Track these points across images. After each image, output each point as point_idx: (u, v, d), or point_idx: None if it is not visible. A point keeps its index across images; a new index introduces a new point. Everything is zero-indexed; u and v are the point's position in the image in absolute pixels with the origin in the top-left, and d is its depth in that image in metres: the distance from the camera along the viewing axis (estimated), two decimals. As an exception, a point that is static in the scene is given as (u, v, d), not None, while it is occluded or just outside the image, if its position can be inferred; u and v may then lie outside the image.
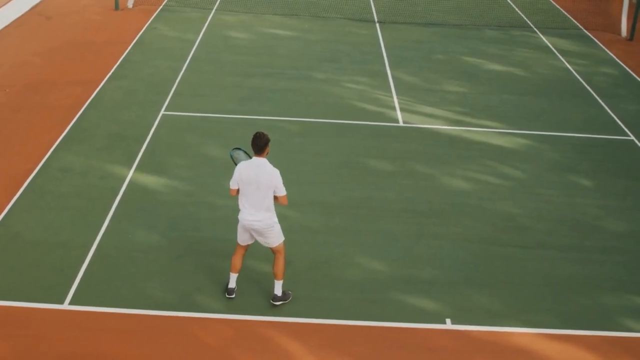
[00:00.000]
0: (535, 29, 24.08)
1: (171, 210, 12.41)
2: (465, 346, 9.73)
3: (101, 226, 11.82)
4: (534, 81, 19.33)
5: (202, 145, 14.68)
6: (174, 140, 14.85)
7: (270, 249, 10.17)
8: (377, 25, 23.57)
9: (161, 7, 24.26)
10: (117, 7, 23.83)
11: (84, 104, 16.33)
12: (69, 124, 15.31)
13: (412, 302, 10.49)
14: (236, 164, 10.06)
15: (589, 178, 14.27)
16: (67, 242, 11.40)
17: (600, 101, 18.12)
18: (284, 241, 10.18)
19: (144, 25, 22.21)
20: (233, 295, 10.36)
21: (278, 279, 10.22)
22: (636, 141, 15.96)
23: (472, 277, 11.09)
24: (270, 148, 9.83)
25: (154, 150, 14.38)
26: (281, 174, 13.81)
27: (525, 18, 25.27)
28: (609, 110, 17.57)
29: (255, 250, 11.38)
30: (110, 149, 14.38)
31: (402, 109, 16.91)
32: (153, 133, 15.07)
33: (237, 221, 12.10)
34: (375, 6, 25.75)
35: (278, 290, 10.25)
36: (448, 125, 16.21)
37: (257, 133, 9.73)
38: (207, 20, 23.00)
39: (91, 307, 10.04)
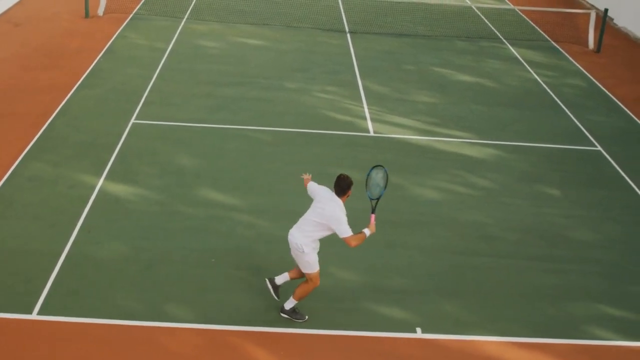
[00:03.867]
0: (504, 40, 24.34)
1: (141, 219, 12.35)
2: (434, 355, 9.79)
3: (70, 235, 11.73)
4: (503, 92, 19.53)
5: (173, 155, 14.63)
6: (145, 149, 14.78)
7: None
8: (348, 35, 23.67)
9: (132, 15, 24.16)
10: (87, 15, 23.69)
11: (53, 112, 16.21)
12: (38, 132, 15.19)
13: (383, 311, 10.53)
14: (368, 175, 9.96)
15: (557, 188, 14.43)
16: (36, 252, 11.30)
17: (568, 112, 18.35)
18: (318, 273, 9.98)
19: (115, 34, 22.10)
20: (268, 285, 10.24)
21: (293, 297, 10.05)
22: (603, 152, 16.18)
23: (441, 286, 11.16)
24: (352, 191, 9.75)
25: (124, 159, 14.31)
26: (252, 183, 13.86)
27: (494, 30, 25.52)
28: (576, 121, 17.79)
29: (225, 259, 11.38)
30: (80, 157, 14.29)
31: (372, 119, 17.00)
32: (123, 142, 14.99)
33: (207, 230, 12.15)
34: (346, 16, 25.86)
35: (288, 304, 10.11)
36: (418, 135, 16.32)
37: (340, 175, 9.69)
38: (178, 29, 22.95)
39: (60, 317, 9.96)
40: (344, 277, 11.24)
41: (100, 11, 24.04)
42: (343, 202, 9.67)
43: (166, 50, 20.88)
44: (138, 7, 25.11)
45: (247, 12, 25.31)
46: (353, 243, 9.51)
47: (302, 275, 10.14)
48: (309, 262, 9.79)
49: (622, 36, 26.48)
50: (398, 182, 14.21)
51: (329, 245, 11.98)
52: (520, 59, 22.41)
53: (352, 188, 9.69)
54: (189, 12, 24.87)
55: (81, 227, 12.00)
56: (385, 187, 9.89)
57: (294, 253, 9.86)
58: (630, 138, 17.20)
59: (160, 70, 19.25)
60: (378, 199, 9.90)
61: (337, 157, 15.01)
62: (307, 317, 10.20)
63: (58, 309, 10.11)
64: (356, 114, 17.29)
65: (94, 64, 19.40)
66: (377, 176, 9.92)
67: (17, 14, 23.62)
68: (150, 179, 13.64)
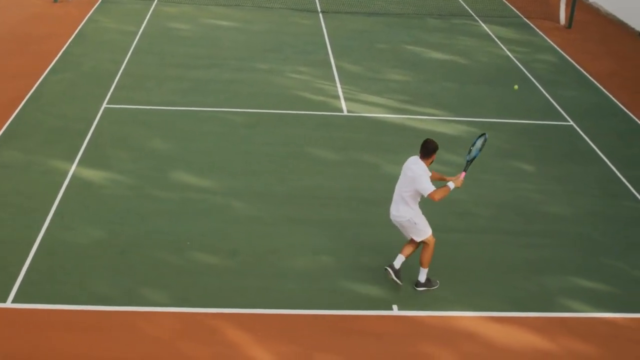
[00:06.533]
0: (476, 17, 24.37)
1: (115, 204, 12.28)
2: (412, 331, 9.85)
3: (44, 222, 11.64)
4: (475, 69, 19.58)
5: (146, 138, 14.55)
6: (117, 133, 14.68)
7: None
8: (320, 15, 23.59)
9: (101, -2, 23.92)
10: (56, -1, 23.44)
11: (23, 98, 16.03)
12: (8, 118, 15.02)
13: (359, 289, 10.57)
14: (473, 143, 10.50)
15: (531, 163, 14.52)
16: (9, 240, 11.20)
17: (540, 88, 18.44)
18: (432, 234, 10.41)
19: (85, 18, 21.87)
20: (390, 275, 10.43)
21: (422, 267, 10.42)
22: (575, 126, 16.29)
23: (417, 263, 11.16)
24: (436, 156, 10.21)
25: (96, 144, 14.21)
26: (226, 165, 13.83)
27: (466, 7, 25.54)
28: (548, 97, 17.89)
29: (201, 242, 11.37)
30: (52, 143, 14.16)
31: (346, 98, 16.98)
32: (95, 126, 14.88)
33: (181, 213, 12.12)
34: (318, -4, 25.78)
35: (421, 277, 10.47)
36: (392, 114, 16.33)
37: (427, 139, 10.18)
38: (148, 11, 22.75)
39: (35, 304, 9.89)
40: (320, 256, 11.25)
41: (69, -5, 23.77)
42: (427, 165, 10.06)
43: (137, 33, 20.70)
44: (107, -10, 24.85)
45: (218, -6, 25.13)
46: (437, 197, 9.86)
47: (416, 247, 10.49)
48: (422, 230, 10.25)
49: (593, 11, 26.61)
50: (372, 160, 14.23)
51: (304, 225, 12.02)
52: (492, 36, 22.46)
53: (436, 153, 10.16)
54: (159, -6, 24.65)
55: (55, 213, 11.91)
56: (480, 149, 10.41)
57: (404, 228, 10.30)
58: (602, 112, 17.32)
59: (131, 54, 19.09)
60: (472, 160, 10.39)
61: (311, 137, 14.99)
62: (438, 281, 10.66)
63: (33, 296, 10.04)
64: (329, 93, 17.26)
65: (64, 48, 19.20)
66: (479, 142, 10.48)
67: (-16, 0, 23.30)
68: (123, 164, 13.55)
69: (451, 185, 9.99)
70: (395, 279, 10.35)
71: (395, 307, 10.24)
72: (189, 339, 9.46)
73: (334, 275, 10.86)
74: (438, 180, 10.43)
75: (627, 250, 11.95)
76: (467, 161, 10.41)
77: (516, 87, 15.01)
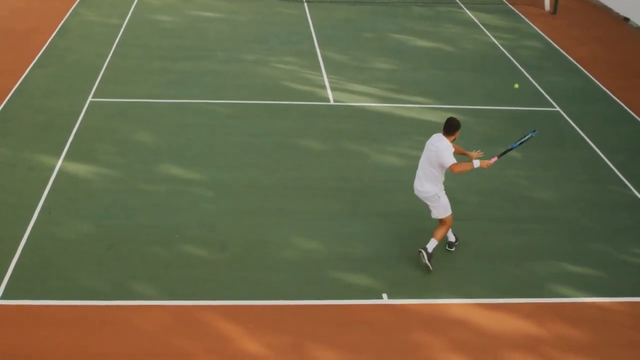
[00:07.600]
0: (461, 4, 24.36)
1: (102, 198, 12.23)
2: (402, 319, 9.87)
3: (31, 218, 11.59)
4: (461, 56, 19.58)
5: (132, 131, 14.49)
6: (103, 127, 14.62)
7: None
8: (305, 4, 23.53)
9: (85, -8, 23.76)
10: (38, -7, 23.25)
11: (7, 93, 15.92)
12: (-7, 114, 14.97)
13: (349, 279, 10.59)
14: (525, 134, 11.05)
15: (518, 149, 14.50)
16: (-4, 236, 11.18)
17: (526, 74, 18.46)
18: (451, 215, 10.79)
19: (68, 11, 21.72)
20: (452, 249, 11.30)
21: (434, 237, 10.74)
22: (561, 112, 16.33)
23: (406, 251, 11.22)
24: (459, 133, 10.52)
25: (82, 138, 14.14)
26: (213, 157, 13.80)
27: (451, -6, 25.53)
28: (534, 83, 17.92)
29: (189, 234, 11.35)
30: (38, 138, 14.09)
31: (332, 88, 16.97)
32: (81, 120, 14.81)
33: (169, 206, 12.09)
34: (302, -14, 25.69)
35: (430, 246, 10.72)
36: (378, 103, 16.33)
37: (450, 117, 10.55)
38: (133, 4, 22.62)
39: (24, 300, 9.85)
40: (309, 247, 11.26)
41: (52, -11, 23.59)
42: (450, 142, 10.40)
43: (121, 26, 20.59)
44: (91, -17, 24.68)
45: (202, -15, 25.00)
46: (457, 169, 10.29)
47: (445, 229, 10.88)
48: (444, 205, 10.64)
49: (578, -4, 26.66)
50: (360, 150, 14.23)
51: (292, 216, 12.02)
52: (478, 23, 22.47)
53: (459, 131, 10.49)
54: (143, -14, 24.50)
55: (42, 208, 11.86)
56: (522, 143, 10.93)
57: (428, 203, 10.68)
58: (587, 97, 17.38)
59: (116, 46, 18.99)
60: (510, 149, 10.79)
61: (297, 128, 14.97)
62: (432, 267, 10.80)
63: (22, 292, 10.00)
64: (316, 83, 17.24)
65: (48, 43, 19.08)
66: (527, 136, 10.94)
67: (-34, -5, 23.10)
68: (110, 157, 13.50)
69: (476, 163, 10.35)
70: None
71: (385, 295, 10.26)
72: (181, 333, 9.44)
73: (324, 265, 10.86)
74: (461, 155, 10.79)
75: (615, 234, 12.02)
76: (508, 148, 10.73)
77: (517, 85, 15.10)
